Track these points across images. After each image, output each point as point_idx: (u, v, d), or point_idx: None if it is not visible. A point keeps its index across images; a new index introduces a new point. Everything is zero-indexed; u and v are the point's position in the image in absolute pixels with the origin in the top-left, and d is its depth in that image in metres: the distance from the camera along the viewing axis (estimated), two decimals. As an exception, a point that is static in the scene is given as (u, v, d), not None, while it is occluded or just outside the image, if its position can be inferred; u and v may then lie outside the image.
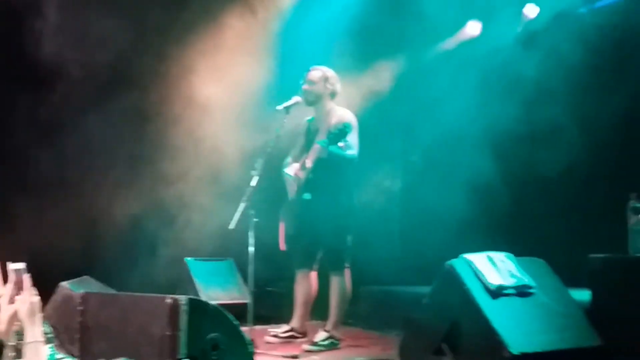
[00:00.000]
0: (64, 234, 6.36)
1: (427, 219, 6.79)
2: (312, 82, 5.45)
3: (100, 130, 6.72)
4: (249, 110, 6.59)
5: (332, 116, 5.40)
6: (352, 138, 5.30)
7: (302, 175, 5.37)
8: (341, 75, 5.63)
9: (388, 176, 7.68)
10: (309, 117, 5.63)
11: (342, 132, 5.06)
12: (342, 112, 5.42)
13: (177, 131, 6.80)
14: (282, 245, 5.47)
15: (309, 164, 5.30)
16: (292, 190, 5.49)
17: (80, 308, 4.66)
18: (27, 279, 3.57)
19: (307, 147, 5.48)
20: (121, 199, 6.71)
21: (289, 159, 5.61)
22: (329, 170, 5.27)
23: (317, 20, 6.79)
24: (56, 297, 5.05)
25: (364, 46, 7.08)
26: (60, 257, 6.06)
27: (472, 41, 7.30)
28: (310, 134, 5.55)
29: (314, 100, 5.47)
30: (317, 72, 5.48)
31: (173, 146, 6.83)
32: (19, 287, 3.49)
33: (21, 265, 3.61)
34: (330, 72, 5.49)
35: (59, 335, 4.61)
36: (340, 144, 5.12)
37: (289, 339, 5.50)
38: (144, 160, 6.89)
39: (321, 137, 5.28)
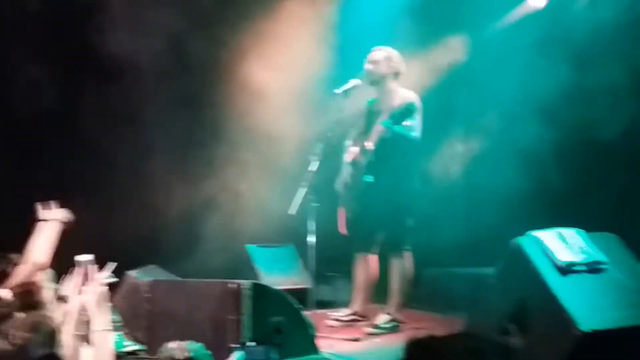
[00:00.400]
0: (129, 224, 6.46)
1: (489, 198, 6.61)
2: (375, 62, 5.37)
3: (160, 118, 6.79)
4: (307, 95, 6.56)
5: (395, 97, 5.29)
6: (416, 120, 5.19)
7: (363, 158, 5.29)
8: (404, 56, 5.51)
9: (449, 157, 7.51)
10: (369, 99, 5.54)
11: (407, 111, 4.97)
12: (406, 93, 5.31)
13: (234, 118, 6.82)
14: (343, 229, 5.41)
15: (370, 145, 5.21)
16: (347, 174, 5.41)
17: (148, 295, 4.76)
18: (94, 270, 3.63)
19: (367, 129, 5.39)
20: (181, 187, 6.79)
21: (348, 142, 5.53)
22: (391, 152, 5.18)
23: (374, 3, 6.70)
24: (124, 286, 5.15)
25: (424, 25, 6.93)
26: (126, 247, 6.18)
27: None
28: (371, 116, 5.45)
29: (377, 80, 5.38)
30: (380, 52, 5.39)
31: (230, 133, 6.85)
32: (86, 278, 3.57)
33: (88, 257, 3.68)
34: (393, 52, 5.40)
35: (127, 323, 4.70)
36: (406, 122, 5.02)
37: (351, 322, 5.46)
38: (201, 147, 6.95)
39: (384, 118, 5.18)
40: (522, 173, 6.23)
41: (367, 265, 5.47)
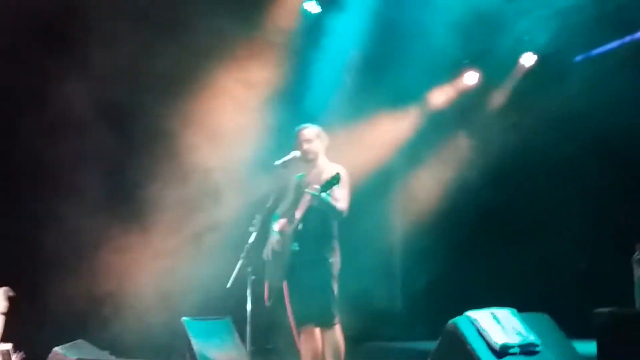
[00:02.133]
0: (61, 295, 6.18)
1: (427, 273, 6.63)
2: (309, 141, 5.37)
3: (90, 184, 6.57)
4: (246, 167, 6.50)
5: (324, 170, 5.29)
6: (343, 192, 5.18)
7: (290, 227, 5.24)
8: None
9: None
10: (298, 174, 5.53)
11: (333, 179, 4.97)
12: (333, 166, 5.32)
13: (171, 188, 6.68)
14: (267, 301, 5.29)
15: (298, 214, 5.18)
16: (275, 243, 5.33)
17: (72, 375, 4.48)
18: (17, 357, 3.39)
19: (296, 202, 5.35)
20: (117, 257, 6.55)
21: (277, 216, 5.48)
22: (317, 221, 5.13)
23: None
24: (50, 364, 4.87)
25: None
26: (57, 320, 5.89)
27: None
28: (300, 189, 5.43)
29: (313, 158, 5.39)
30: (312, 130, 5.40)
31: (167, 202, 6.69)
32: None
33: (7, 346, 3.44)
34: (320, 129, 5.44)
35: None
36: (332, 192, 5.00)
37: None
38: (138, 215, 6.74)
39: (312, 189, 5.17)
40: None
41: (311, 338, 5.30)
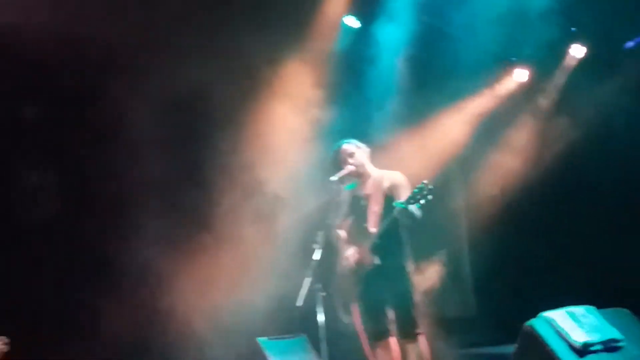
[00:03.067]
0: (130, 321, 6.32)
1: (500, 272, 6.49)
2: (352, 154, 5.36)
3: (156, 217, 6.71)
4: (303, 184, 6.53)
5: (383, 179, 5.25)
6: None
7: (367, 242, 5.19)
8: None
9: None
10: (348, 184, 5.49)
11: (422, 191, 4.86)
12: (392, 174, 5.27)
13: (235, 214, 6.76)
14: (345, 317, 5.25)
15: (373, 228, 5.12)
16: (347, 262, 5.29)
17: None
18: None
19: (354, 214, 5.31)
20: (187, 282, 6.64)
21: (335, 229, 5.44)
22: (393, 232, 5.08)
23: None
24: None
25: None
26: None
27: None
28: (355, 200, 5.39)
29: (361, 170, 5.36)
30: (349, 145, 5.41)
31: (231, 226, 6.77)
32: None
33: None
34: (357, 141, 5.45)
35: None
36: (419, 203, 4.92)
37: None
38: (205, 248, 6.84)
39: (377, 203, 5.12)
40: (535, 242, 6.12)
41: (388, 351, 5.24)
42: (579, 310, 3.99)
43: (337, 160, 5.37)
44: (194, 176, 6.88)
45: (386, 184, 5.21)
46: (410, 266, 5.21)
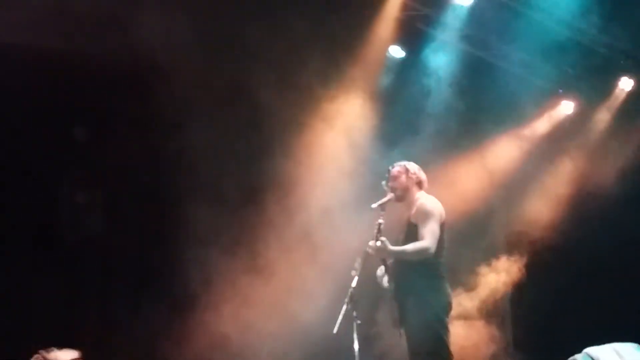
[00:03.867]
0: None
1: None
2: (394, 178, 5.25)
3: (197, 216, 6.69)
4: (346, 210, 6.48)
5: (415, 205, 5.13)
6: (426, 228, 4.95)
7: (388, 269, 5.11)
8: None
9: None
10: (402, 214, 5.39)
11: (377, 229, 4.85)
12: (422, 200, 5.14)
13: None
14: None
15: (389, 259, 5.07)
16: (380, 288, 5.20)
17: None
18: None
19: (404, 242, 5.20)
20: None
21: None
22: (406, 267, 4.99)
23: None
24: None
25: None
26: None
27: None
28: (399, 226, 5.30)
29: (401, 194, 5.24)
30: (397, 168, 5.29)
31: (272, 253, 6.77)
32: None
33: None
34: (410, 164, 5.30)
35: None
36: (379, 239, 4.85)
37: None
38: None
39: (402, 230, 5.09)
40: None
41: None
42: (625, 347, 3.77)
43: (387, 184, 5.29)
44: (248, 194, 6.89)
45: (414, 210, 5.10)
46: (434, 295, 5.03)
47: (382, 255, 4.98)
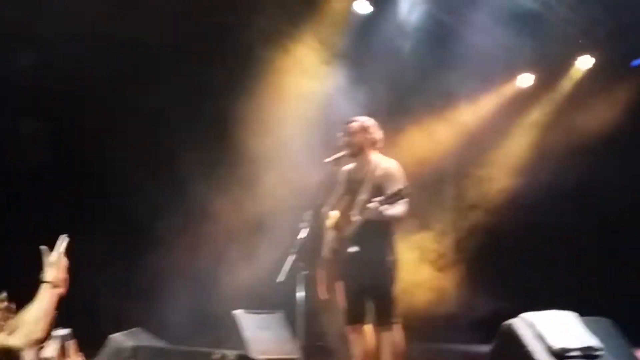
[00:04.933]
0: (118, 284, 6.20)
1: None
2: (351, 134, 5.16)
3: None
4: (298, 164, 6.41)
5: (377, 167, 5.06)
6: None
7: (349, 229, 5.05)
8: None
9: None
10: (350, 166, 5.33)
11: (396, 195, 4.73)
12: (388, 163, 5.08)
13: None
14: (323, 295, 5.12)
15: (355, 218, 4.99)
16: (332, 243, 5.17)
17: (131, 360, 4.44)
18: (72, 344, 3.30)
19: (347, 197, 5.17)
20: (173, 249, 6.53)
21: (325, 209, 5.29)
22: (376, 226, 4.94)
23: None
24: (107, 349, 4.84)
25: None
26: (113, 308, 5.88)
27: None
28: (351, 184, 5.22)
29: (355, 151, 5.17)
30: (355, 124, 5.19)
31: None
32: (64, 353, 3.24)
33: (66, 331, 3.35)
34: (369, 122, 5.20)
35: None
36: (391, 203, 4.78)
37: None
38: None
39: (366, 191, 4.98)
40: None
41: (361, 337, 5.12)
42: (561, 315, 3.87)
43: (342, 138, 5.20)
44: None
45: (379, 172, 5.03)
46: (391, 257, 5.07)
47: (373, 216, 4.79)
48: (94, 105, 6.68)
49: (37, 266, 2.92)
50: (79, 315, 3.64)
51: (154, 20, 6.28)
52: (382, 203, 4.72)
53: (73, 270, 2.95)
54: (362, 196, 4.98)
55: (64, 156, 6.79)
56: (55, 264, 2.97)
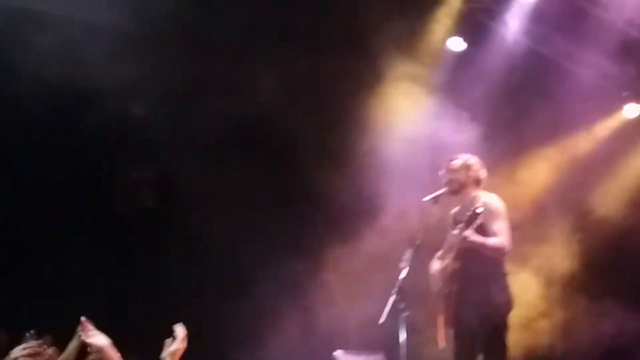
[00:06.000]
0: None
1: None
2: (453, 171, 5.06)
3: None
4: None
5: (473, 203, 4.92)
6: (500, 224, 4.78)
7: (449, 266, 4.91)
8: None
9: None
10: (455, 209, 5.21)
11: (472, 216, 4.58)
12: (486, 198, 4.93)
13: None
14: (441, 342, 4.96)
15: (452, 253, 4.83)
16: (435, 285, 5.01)
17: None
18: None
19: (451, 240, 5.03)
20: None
21: (439, 253, 5.17)
22: (477, 260, 4.75)
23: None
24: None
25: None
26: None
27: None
28: (457, 225, 5.09)
29: (457, 188, 5.05)
30: (458, 161, 5.09)
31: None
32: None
33: None
34: (472, 160, 5.09)
35: None
36: (475, 225, 4.61)
37: None
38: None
39: (460, 225, 4.83)
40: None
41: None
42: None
43: (444, 175, 5.12)
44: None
45: (479, 209, 4.89)
46: (501, 298, 4.85)
47: (464, 243, 4.74)
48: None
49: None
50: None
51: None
52: (463, 229, 4.58)
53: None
54: (456, 231, 4.86)
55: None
56: (173, 353, 3.14)
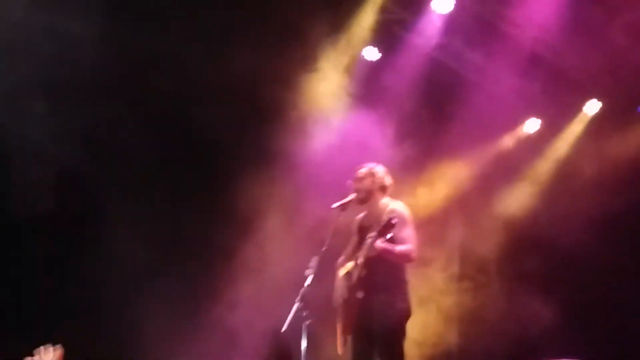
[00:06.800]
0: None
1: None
2: (360, 179, 5.09)
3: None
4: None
5: (383, 211, 4.96)
6: (408, 231, 4.84)
7: (355, 274, 4.91)
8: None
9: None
10: (360, 215, 5.23)
11: (387, 225, 4.61)
12: (394, 205, 4.98)
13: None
14: (340, 349, 4.94)
15: (360, 260, 4.83)
16: (341, 290, 5.01)
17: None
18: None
19: (359, 246, 5.04)
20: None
21: (341, 259, 5.17)
22: (383, 266, 4.78)
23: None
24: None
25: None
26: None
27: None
28: (363, 231, 5.12)
29: (364, 197, 5.08)
30: (363, 169, 5.13)
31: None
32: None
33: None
34: (377, 167, 5.14)
35: None
36: (388, 237, 4.64)
37: None
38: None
39: (372, 233, 4.84)
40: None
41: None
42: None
43: (351, 184, 5.11)
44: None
45: (385, 216, 4.92)
46: (401, 305, 4.90)
47: (374, 252, 4.75)
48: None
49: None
50: None
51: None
52: (375, 238, 4.61)
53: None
54: (368, 240, 4.88)
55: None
56: None
